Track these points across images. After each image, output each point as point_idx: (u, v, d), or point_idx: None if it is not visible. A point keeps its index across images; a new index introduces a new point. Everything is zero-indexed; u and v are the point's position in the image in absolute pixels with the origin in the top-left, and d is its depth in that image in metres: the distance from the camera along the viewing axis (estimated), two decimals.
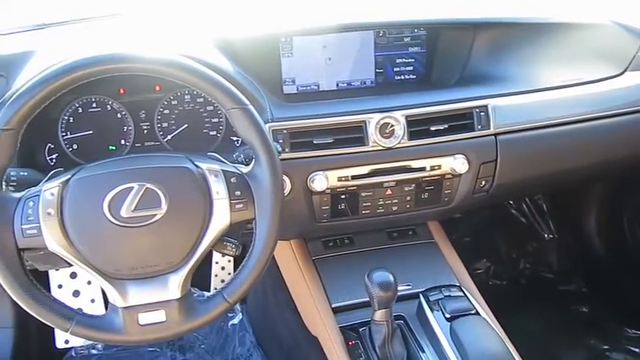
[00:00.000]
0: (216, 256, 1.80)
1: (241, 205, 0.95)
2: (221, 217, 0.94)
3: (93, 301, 1.73)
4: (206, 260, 1.77)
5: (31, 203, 0.89)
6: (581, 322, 1.87)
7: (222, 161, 1.01)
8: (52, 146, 1.21)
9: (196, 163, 0.96)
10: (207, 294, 1.76)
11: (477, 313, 1.17)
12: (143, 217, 0.90)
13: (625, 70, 1.43)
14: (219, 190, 0.94)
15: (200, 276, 1.76)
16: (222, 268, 1.89)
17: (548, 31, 1.41)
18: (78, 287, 1.73)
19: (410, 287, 1.27)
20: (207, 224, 0.93)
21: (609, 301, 1.92)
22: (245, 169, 0.98)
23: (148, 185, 0.91)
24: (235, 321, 1.84)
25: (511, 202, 2.18)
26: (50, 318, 0.90)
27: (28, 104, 0.88)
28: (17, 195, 0.91)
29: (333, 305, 1.26)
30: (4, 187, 0.91)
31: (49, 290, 1.51)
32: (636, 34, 1.46)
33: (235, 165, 1.00)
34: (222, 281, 1.90)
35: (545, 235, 2.18)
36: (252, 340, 1.78)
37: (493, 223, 2.15)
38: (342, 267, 1.34)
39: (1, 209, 0.88)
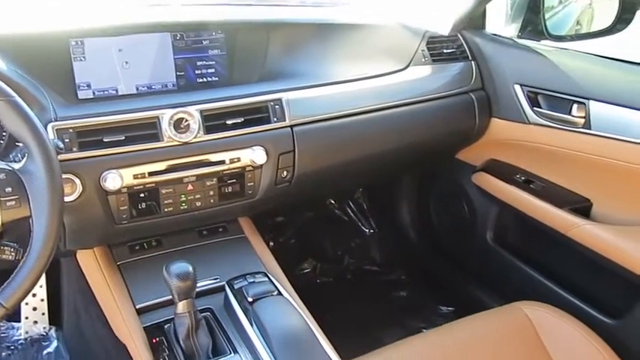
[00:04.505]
0: None
1: (13, 203, 0.89)
2: None
3: None
4: None
5: None
6: (401, 306, 2.00)
7: None
8: None
9: None
10: None
11: (280, 294, 1.20)
12: None
13: (408, 65, 1.57)
14: None
15: None
16: (34, 295, 1.76)
17: (337, 31, 1.52)
18: None
19: (218, 280, 1.28)
20: None
21: (425, 285, 2.08)
22: (17, 166, 0.92)
23: None
24: (50, 349, 1.71)
25: (333, 201, 2.28)
26: None
27: None
28: None
29: (138, 306, 1.22)
30: None
31: None
32: (417, 33, 1.62)
33: (8, 163, 0.94)
34: (35, 309, 1.76)
35: (367, 231, 2.30)
36: None
37: (318, 223, 2.24)
38: (148, 269, 1.30)
39: None
